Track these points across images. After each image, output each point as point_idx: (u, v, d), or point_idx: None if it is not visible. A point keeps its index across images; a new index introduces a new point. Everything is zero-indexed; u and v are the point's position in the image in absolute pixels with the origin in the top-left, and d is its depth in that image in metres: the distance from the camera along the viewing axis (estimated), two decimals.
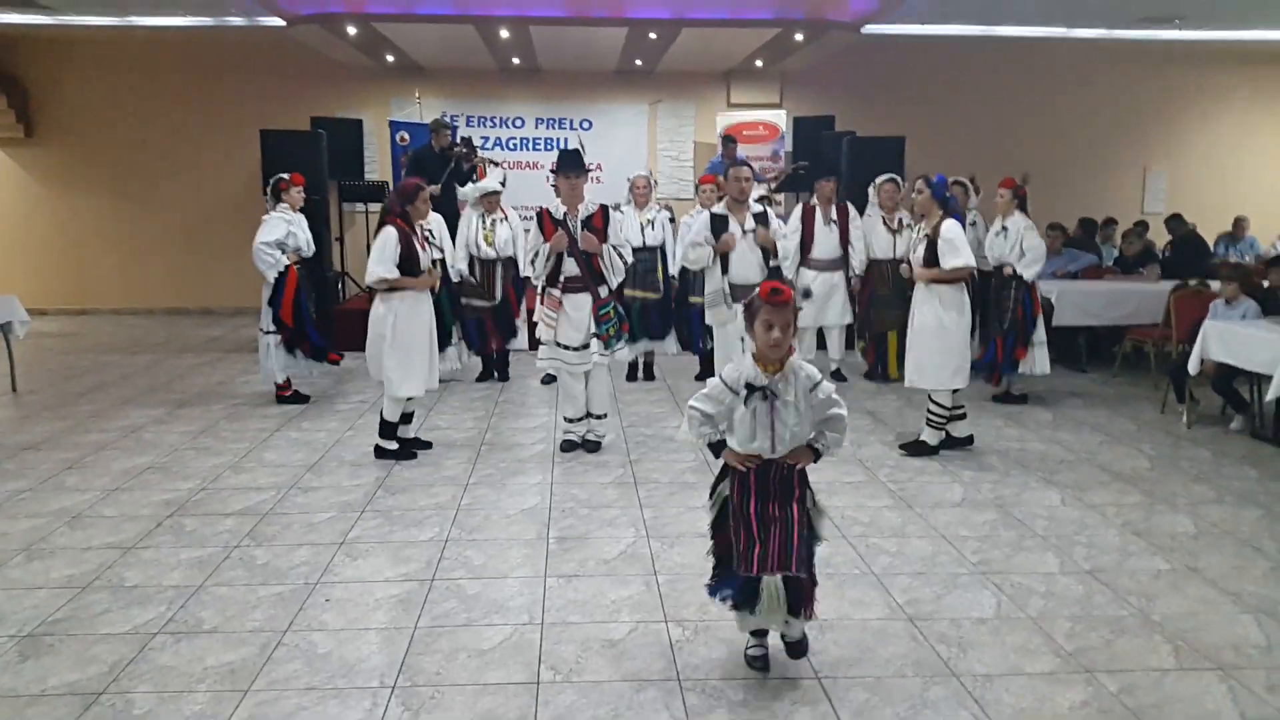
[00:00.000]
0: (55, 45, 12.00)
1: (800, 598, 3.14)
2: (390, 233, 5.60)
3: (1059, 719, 3.02)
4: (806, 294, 7.02)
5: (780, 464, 3.13)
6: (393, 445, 5.90)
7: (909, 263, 6.17)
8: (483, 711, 3.05)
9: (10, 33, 11.63)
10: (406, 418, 6.01)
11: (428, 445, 6.12)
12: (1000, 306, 7.32)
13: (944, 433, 6.09)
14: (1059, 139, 13.23)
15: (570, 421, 6.14)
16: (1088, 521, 4.86)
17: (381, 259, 5.58)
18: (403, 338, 5.70)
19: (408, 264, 5.62)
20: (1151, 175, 13.73)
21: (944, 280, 5.87)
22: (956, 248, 5.78)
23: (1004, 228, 7.22)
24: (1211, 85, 13.51)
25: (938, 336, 5.88)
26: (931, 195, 5.93)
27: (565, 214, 5.78)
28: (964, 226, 6.10)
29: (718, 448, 3.21)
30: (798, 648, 3.32)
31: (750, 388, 3.09)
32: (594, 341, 5.89)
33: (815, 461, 3.18)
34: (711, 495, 3.33)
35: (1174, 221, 10.63)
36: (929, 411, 6.04)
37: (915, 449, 6.09)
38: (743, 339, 5.94)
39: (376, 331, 5.75)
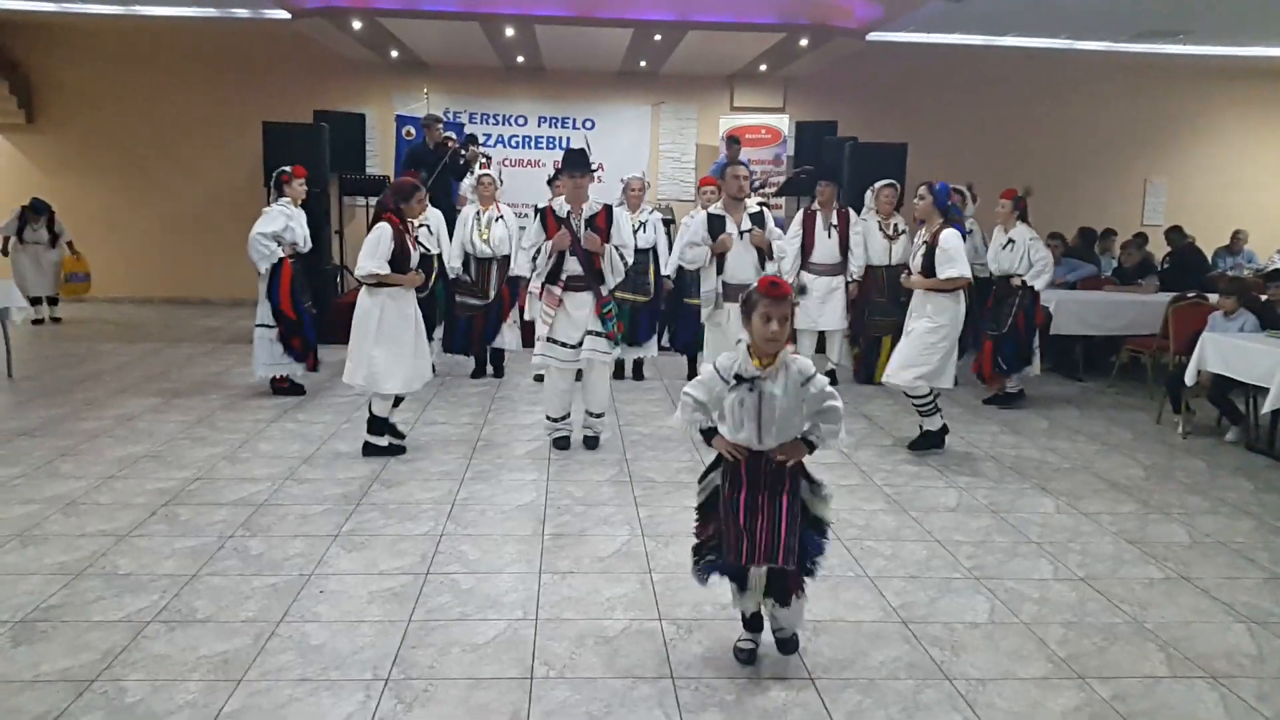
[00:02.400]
0: (59, 32, 11.99)
1: (785, 588, 3.21)
2: (385, 229, 5.58)
3: None
4: (802, 290, 7.00)
5: (771, 457, 3.14)
6: (382, 442, 5.89)
7: (909, 270, 6.22)
8: (476, 706, 3.05)
9: (14, 19, 11.63)
10: (385, 423, 5.95)
11: (401, 440, 6.03)
12: (999, 313, 7.39)
13: (940, 417, 6.16)
14: (1061, 149, 13.27)
15: (553, 420, 6.13)
16: (1082, 529, 4.87)
17: (373, 254, 5.55)
18: (389, 332, 5.67)
19: (398, 261, 5.62)
20: (1151, 187, 13.77)
21: (939, 289, 5.94)
22: (953, 258, 5.85)
23: (1010, 240, 7.28)
24: (1213, 99, 13.56)
25: (923, 338, 6.02)
26: (933, 202, 5.96)
27: (569, 213, 5.78)
28: (964, 234, 6.16)
29: (709, 434, 3.23)
30: (788, 645, 3.36)
31: (739, 378, 3.11)
32: (592, 339, 5.88)
33: (810, 454, 3.19)
34: (701, 481, 3.35)
35: (1173, 233, 10.67)
36: (914, 405, 6.16)
37: (923, 442, 6.19)
38: (739, 341, 5.99)
39: (361, 326, 5.69)
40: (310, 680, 3.17)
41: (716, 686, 3.21)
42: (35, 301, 10.48)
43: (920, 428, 6.25)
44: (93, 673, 3.18)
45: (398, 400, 5.94)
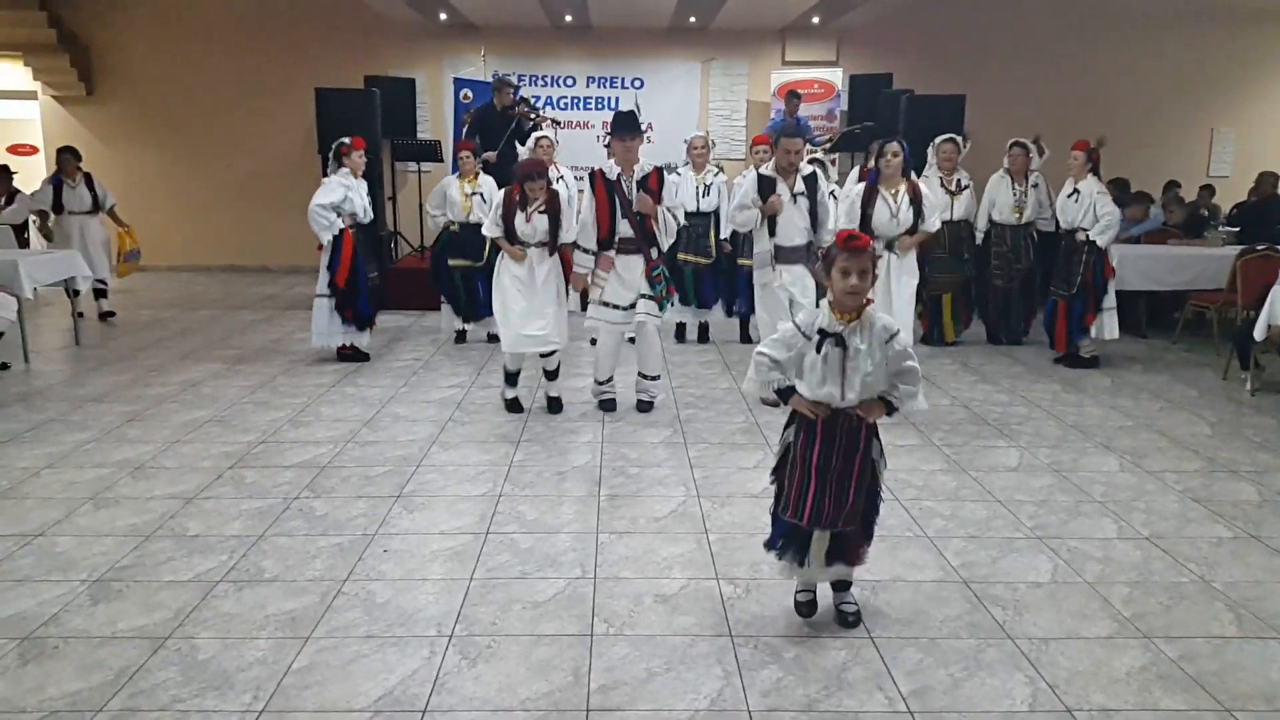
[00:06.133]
0: (117, 4, 12.15)
1: (845, 548, 3.21)
2: (504, 193, 5.91)
3: (1116, 683, 2.99)
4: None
5: (850, 415, 3.12)
6: (508, 394, 6.13)
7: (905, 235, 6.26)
8: (538, 661, 3.09)
9: None
10: (512, 378, 6.11)
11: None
12: (1069, 270, 7.23)
13: None
14: (1123, 99, 12.86)
15: (600, 384, 6.15)
16: (1146, 488, 4.79)
17: (491, 215, 5.96)
18: (499, 292, 5.93)
19: (507, 226, 5.86)
20: (1219, 137, 13.33)
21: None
22: (935, 206, 6.25)
23: (1076, 190, 7.11)
24: None
25: (914, 298, 6.30)
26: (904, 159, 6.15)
27: (620, 175, 5.76)
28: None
29: (786, 394, 3.19)
30: (849, 618, 3.31)
31: (823, 334, 3.07)
32: (643, 302, 5.88)
33: (889, 415, 3.17)
34: (781, 439, 3.32)
35: (1266, 177, 10.16)
36: None
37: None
38: (791, 302, 5.95)
39: None
40: (376, 637, 3.24)
41: (775, 645, 3.21)
42: (77, 293, 8.26)
43: None
44: (166, 630, 3.28)
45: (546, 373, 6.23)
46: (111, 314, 9.22)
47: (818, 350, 3.08)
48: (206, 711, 2.81)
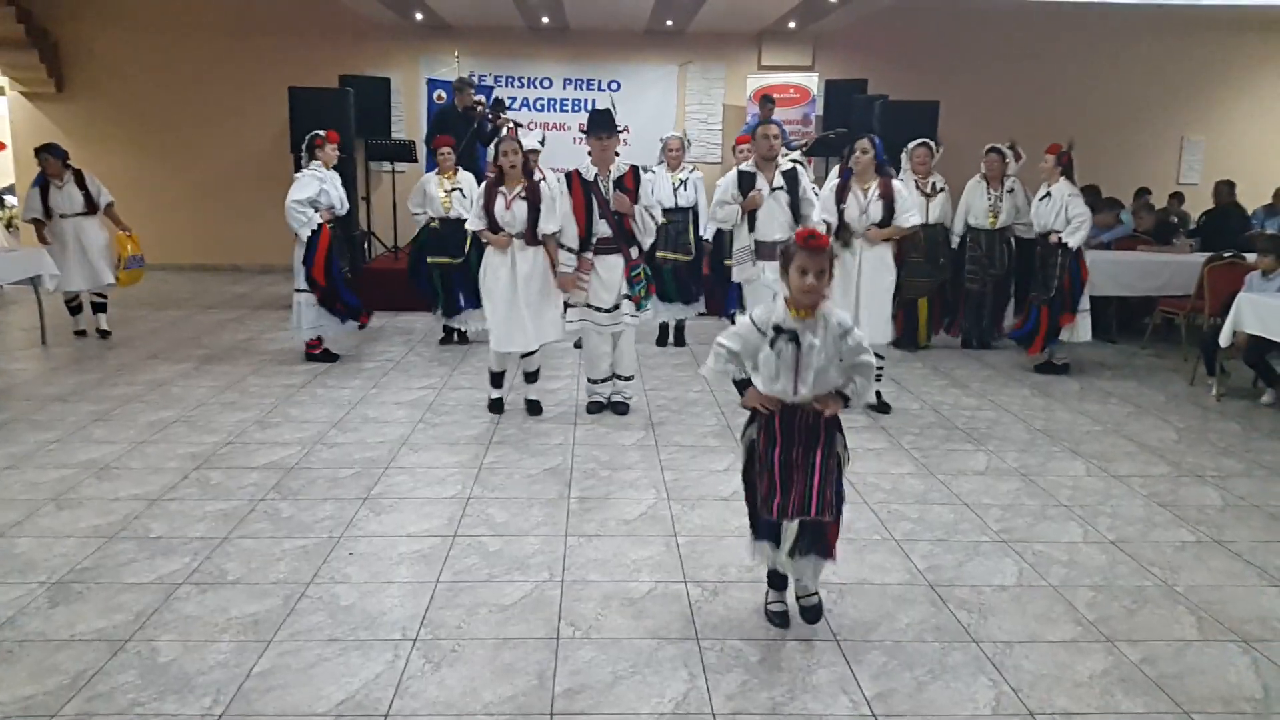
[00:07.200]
0: (87, 0, 12.01)
1: (819, 539, 3.22)
2: (482, 187, 5.93)
3: (1079, 686, 3.01)
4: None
5: (806, 410, 3.13)
6: (494, 394, 6.12)
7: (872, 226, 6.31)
8: (503, 665, 3.07)
9: None
10: (497, 378, 6.11)
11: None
12: (1045, 274, 7.28)
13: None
14: (1094, 106, 12.98)
15: (594, 383, 6.14)
16: (1113, 492, 4.83)
17: (473, 210, 5.99)
18: (486, 288, 5.96)
19: (489, 219, 5.86)
20: (1188, 145, 13.47)
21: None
22: (909, 205, 6.27)
23: (1048, 193, 7.16)
24: (1253, 52, 13.20)
25: (890, 292, 6.29)
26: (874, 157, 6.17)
27: (596, 175, 5.75)
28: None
29: (742, 385, 3.23)
30: (813, 613, 3.34)
31: (778, 330, 3.09)
32: (625, 303, 5.88)
33: (845, 407, 3.17)
34: (741, 438, 3.34)
35: (1223, 186, 10.32)
36: (879, 369, 6.13)
37: (881, 408, 6.30)
38: (775, 296, 5.94)
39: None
40: (340, 640, 3.21)
41: (741, 648, 3.21)
42: (72, 301, 8.32)
43: (878, 394, 6.33)
44: (127, 633, 3.23)
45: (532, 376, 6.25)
46: (108, 333, 8.27)
47: (771, 346, 3.10)
48: (166, 715, 2.77)
